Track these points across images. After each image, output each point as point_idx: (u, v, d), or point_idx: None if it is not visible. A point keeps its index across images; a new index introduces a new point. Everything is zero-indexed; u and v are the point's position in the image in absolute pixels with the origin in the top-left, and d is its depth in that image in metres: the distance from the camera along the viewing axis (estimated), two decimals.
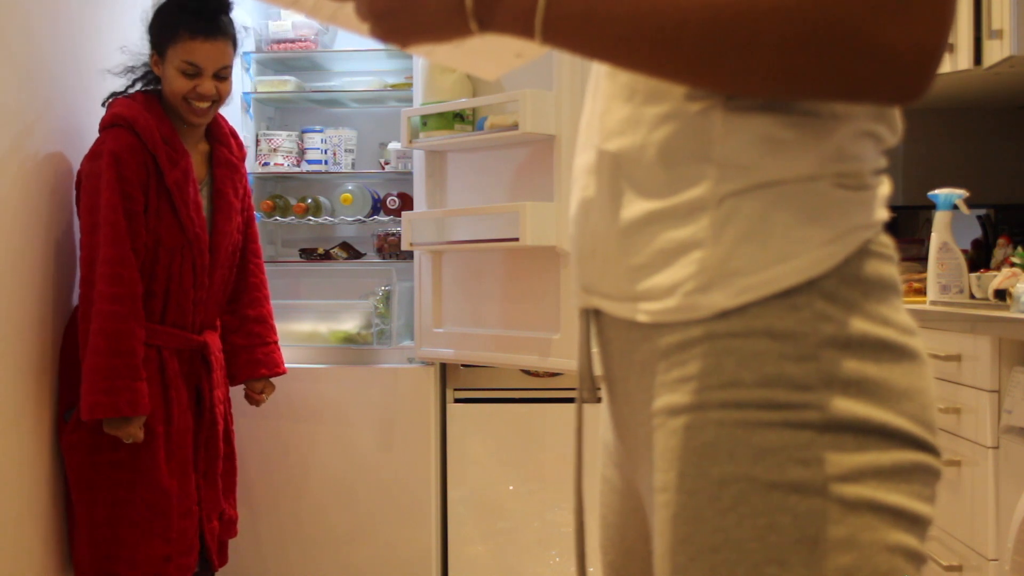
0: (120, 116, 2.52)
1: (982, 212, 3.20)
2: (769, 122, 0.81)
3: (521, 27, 0.82)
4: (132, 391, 2.41)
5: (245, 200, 2.82)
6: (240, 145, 2.84)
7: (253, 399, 2.91)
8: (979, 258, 3.02)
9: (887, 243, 0.84)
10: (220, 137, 2.75)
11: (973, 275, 2.63)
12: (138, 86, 2.66)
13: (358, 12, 0.88)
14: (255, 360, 2.86)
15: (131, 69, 2.67)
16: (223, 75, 2.60)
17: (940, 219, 2.66)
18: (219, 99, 2.63)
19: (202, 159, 2.72)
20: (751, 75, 0.75)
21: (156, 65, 2.60)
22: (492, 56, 0.95)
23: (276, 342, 2.92)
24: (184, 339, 2.61)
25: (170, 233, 2.55)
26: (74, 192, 2.58)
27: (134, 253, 2.47)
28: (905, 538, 0.80)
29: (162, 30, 2.58)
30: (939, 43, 0.73)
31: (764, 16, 0.73)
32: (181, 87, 2.56)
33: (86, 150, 2.54)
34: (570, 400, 3.18)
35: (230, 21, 2.63)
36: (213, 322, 2.75)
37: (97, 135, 2.55)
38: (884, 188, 0.86)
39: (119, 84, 2.67)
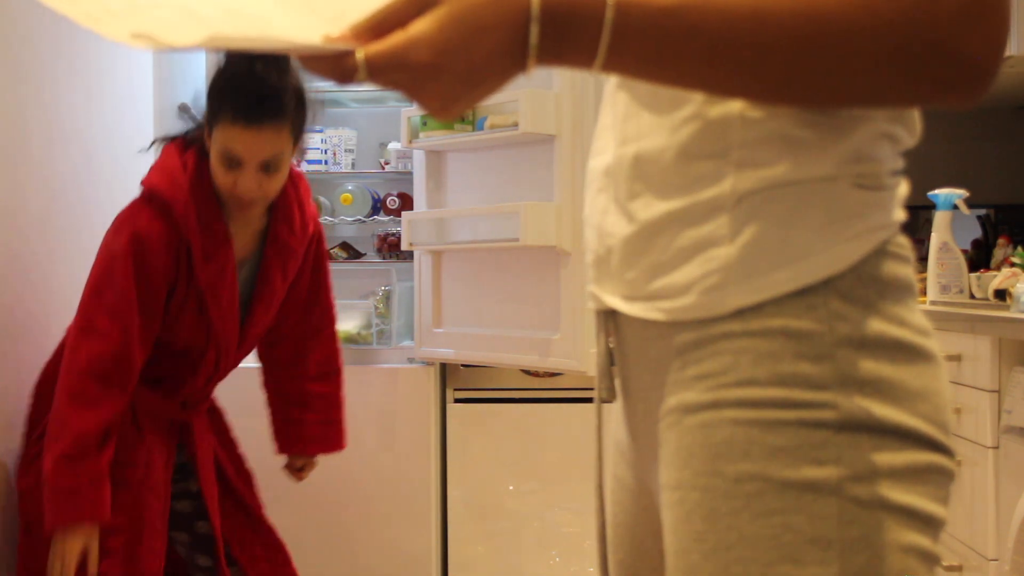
0: (158, 193, 2.08)
1: (982, 212, 3.21)
2: (787, 122, 0.81)
3: (584, 60, 0.77)
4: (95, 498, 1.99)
5: (302, 278, 2.35)
6: (305, 216, 2.27)
7: (293, 476, 2.50)
8: (979, 258, 3.03)
9: (904, 244, 0.85)
10: (283, 210, 2.21)
11: (973, 275, 2.63)
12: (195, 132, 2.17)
13: (384, 78, 0.73)
14: (317, 436, 2.43)
15: (188, 114, 2.21)
16: (272, 168, 2.05)
17: (940, 219, 2.67)
18: (264, 197, 2.09)
19: (253, 236, 2.22)
20: (838, 92, 0.77)
21: (208, 138, 2.08)
22: None
23: (341, 418, 2.46)
24: (165, 409, 2.23)
25: (192, 335, 2.15)
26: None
27: (141, 347, 2.06)
28: (919, 539, 0.80)
29: (210, 102, 2.07)
30: (1004, 45, 0.76)
31: (854, 35, 0.73)
32: (222, 180, 2.05)
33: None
34: (570, 400, 3.19)
35: (292, 100, 2.04)
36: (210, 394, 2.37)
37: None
38: (901, 189, 0.86)
39: (178, 124, 2.24)
